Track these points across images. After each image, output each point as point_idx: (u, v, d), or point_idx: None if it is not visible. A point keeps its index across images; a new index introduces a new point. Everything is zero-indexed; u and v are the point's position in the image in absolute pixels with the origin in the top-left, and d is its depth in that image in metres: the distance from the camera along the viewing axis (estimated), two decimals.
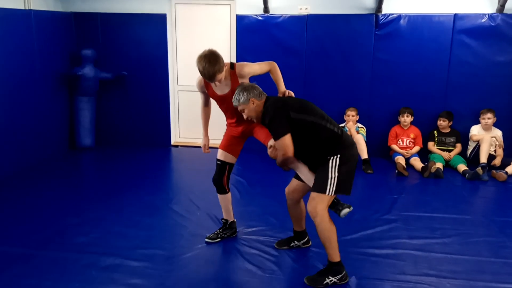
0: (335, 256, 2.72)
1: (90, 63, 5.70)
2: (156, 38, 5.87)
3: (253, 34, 5.61)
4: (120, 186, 4.56)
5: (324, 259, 3.02)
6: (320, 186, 2.65)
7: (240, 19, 5.62)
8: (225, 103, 3.07)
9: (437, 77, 5.45)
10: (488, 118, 5.15)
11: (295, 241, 3.23)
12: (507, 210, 4.02)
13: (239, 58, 5.69)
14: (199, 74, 2.90)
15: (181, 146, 6.22)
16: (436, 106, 5.49)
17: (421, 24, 5.34)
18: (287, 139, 2.60)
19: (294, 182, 3.04)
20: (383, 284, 2.79)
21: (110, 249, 3.16)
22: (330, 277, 2.72)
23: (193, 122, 6.25)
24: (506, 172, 4.85)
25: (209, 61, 2.73)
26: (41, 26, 5.24)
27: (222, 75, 2.82)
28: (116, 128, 6.17)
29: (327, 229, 2.65)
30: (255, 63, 3.06)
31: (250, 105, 2.77)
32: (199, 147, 6.45)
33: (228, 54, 5.91)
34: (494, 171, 4.92)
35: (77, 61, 5.75)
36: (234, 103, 2.85)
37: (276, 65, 3.11)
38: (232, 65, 2.98)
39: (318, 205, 2.63)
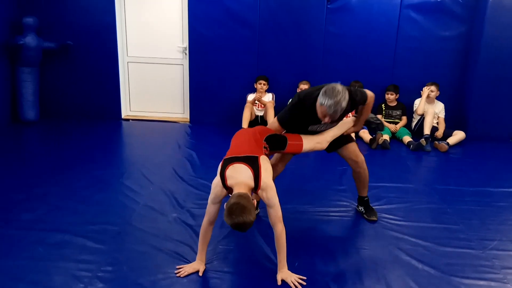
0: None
1: (32, 32, 5.39)
2: (103, 5, 5.59)
3: (206, 4, 5.48)
4: (68, 161, 4.41)
5: None
6: (349, 136, 3.18)
7: None
8: None
9: (385, 51, 5.60)
10: (431, 91, 5.38)
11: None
12: (448, 179, 4.26)
13: (192, 29, 5.57)
14: (217, 177, 2.53)
15: (132, 119, 6.07)
16: (384, 79, 5.66)
17: None
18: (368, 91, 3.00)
19: (283, 156, 3.16)
20: (333, 251, 2.90)
21: (59, 225, 3.07)
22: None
23: (144, 95, 6.10)
24: (448, 143, 5.12)
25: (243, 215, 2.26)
26: None
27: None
28: (62, 101, 5.91)
29: (367, 172, 3.25)
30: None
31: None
32: (151, 120, 6.37)
33: (180, 24, 5.76)
34: (436, 142, 5.19)
35: (18, 30, 5.41)
36: (339, 112, 2.65)
37: None
38: (256, 185, 2.48)
39: (362, 155, 3.19)
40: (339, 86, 2.62)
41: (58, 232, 2.98)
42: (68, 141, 5.07)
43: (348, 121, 3.19)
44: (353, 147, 3.15)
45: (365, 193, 3.34)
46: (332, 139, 3.07)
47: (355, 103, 2.93)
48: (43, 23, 5.52)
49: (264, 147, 2.75)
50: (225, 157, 2.59)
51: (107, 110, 5.97)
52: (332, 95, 2.56)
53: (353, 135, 3.25)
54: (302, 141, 2.96)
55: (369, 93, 3.02)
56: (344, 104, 2.60)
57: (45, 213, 3.27)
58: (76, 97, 5.90)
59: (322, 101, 2.59)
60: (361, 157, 3.17)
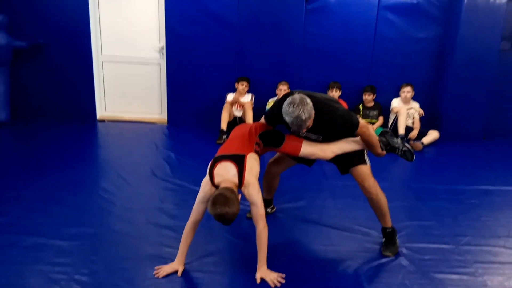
0: (390, 221, 2.96)
1: (1, 30, 5.24)
2: (76, 2, 5.46)
3: (184, 3, 5.42)
4: (42, 162, 4.30)
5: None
6: (361, 158, 2.88)
7: None
8: None
9: (363, 52, 5.67)
10: (407, 91, 5.49)
11: (267, 209, 3.28)
12: (422, 177, 4.36)
13: (169, 28, 5.51)
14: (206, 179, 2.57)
15: (108, 120, 5.96)
16: (361, 80, 5.73)
17: (349, 0, 5.49)
18: (361, 121, 2.72)
19: (285, 158, 3.10)
20: (311, 248, 2.95)
21: (33, 229, 3.00)
22: (397, 238, 2.97)
23: (120, 95, 6.00)
24: (422, 143, 5.23)
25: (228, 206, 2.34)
26: None
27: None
28: (34, 101, 5.76)
29: (384, 198, 2.89)
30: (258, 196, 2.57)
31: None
32: (128, 121, 6.26)
33: (156, 23, 5.70)
34: (412, 141, 5.28)
35: None
36: (305, 125, 2.52)
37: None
38: (240, 182, 2.54)
39: (372, 179, 2.85)
40: (296, 99, 2.48)
41: (33, 235, 2.91)
42: (42, 143, 4.95)
43: (359, 140, 2.87)
44: (360, 170, 2.85)
45: (385, 223, 2.94)
46: (340, 152, 2.82)
47: (330, 118, 2.64)
48: (13, 21, 5.37)
49: (257, 143, 2.75)
50: (215, 155, 2.63)
51: (81, 111, 5.84)
52: (289, 111, 2.47)
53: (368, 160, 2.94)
54: (301, 143, 2.80)
55: (361, 124, 2.70)
56: (305, 115, 2.45)
57: (19, 216, 3.18)
58: (49, 97, 5.76)
59: (284, 118, 2.53)
60: (369, 182, 2.83)
